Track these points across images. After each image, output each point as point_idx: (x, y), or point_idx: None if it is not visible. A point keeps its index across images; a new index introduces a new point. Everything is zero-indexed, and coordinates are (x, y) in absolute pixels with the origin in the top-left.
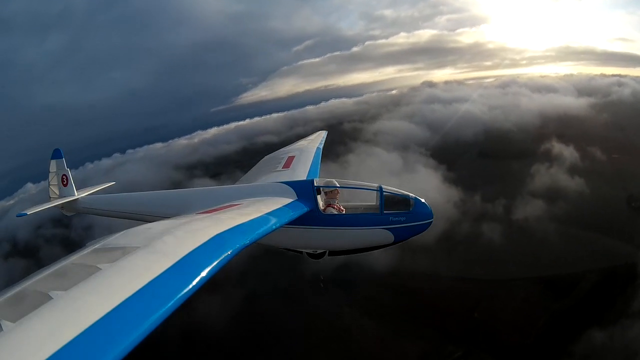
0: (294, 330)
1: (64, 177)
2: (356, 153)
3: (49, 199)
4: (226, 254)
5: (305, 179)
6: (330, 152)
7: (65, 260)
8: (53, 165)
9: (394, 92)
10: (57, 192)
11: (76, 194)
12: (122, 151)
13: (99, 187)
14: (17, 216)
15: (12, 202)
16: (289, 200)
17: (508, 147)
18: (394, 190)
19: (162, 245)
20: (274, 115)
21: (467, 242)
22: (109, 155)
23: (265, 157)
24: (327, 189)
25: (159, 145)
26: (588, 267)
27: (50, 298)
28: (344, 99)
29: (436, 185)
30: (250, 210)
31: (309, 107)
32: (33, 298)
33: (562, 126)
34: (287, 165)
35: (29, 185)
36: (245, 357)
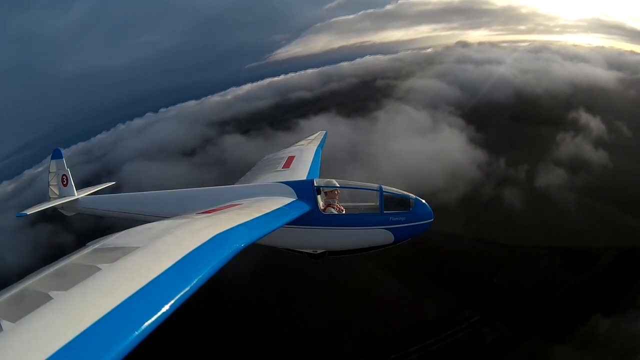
0: (317, 285)
1: (64, 177)
2: (385, 110)
3: (48, 199)
4: (226, 254)
5: (305, 179)
6: (361, 108)
7: (65, 260)
8: (53, 165)
9: (428, 50)
10: (57, 192)
11: (76, 194)
12: (155, 110)
13: (99, 187)
14: (17, 216)
15: (41, 168)
16: (289, 200)
17: (537, 112)
18: (394, 191)
19: (162, 245)
20: (309, 71)
21: (488, 205)
22: (141, 115)
23: (265, 157)
24: (327, 189)
25: (192, 103)
26: (607, 244)
27: (50, 298)
28: (379, 56)
29: (461, 146)
30: (250, 210)
31: (344, 64)
32: (33, 298)
33: (591, 97)
34: (287, 165)
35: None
36: (267, 306)
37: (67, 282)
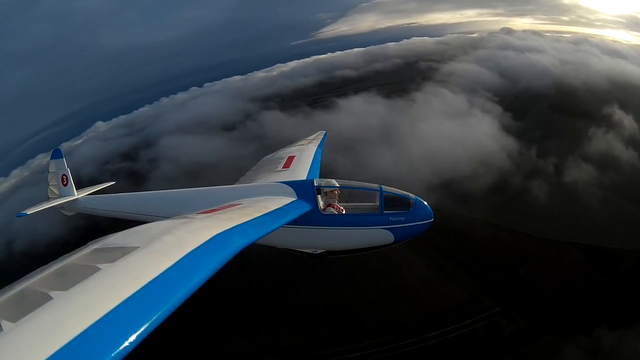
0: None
1: (64, 177)
2: (423, 92)
3: (48, 199)
4: (226, 254)
5: (305, 179)
6: (400, 90)
7: (65, 260)
8: (53, 165)
9: (474, 35)
10: (56, 192)
11: (76, 193)
12: (200, 85)
13: (98, 187)
14: (17, 216)
15: (80, 141)
16: (289, 200)
17: (572, 104)
18: (394, 191)
19: (162, 245)
20: (355, 50)
21: (517, 194)
22: (185, 89)
23: (265, 157)
24: (327, 189)
25: (237, 78)
26: (633, 247)
27: (50, 298)
28: (425, 38)
29: (494, 133)
30: (250, 210)
31: (390, 44)
32: (33, 298)
33: (626, 94)
34: (287, 165)
35: (99, 123)
36: (293, 281)
37: (67, 282)
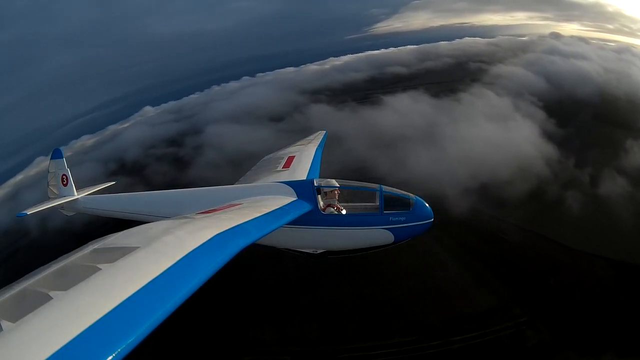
0: (376, 259)
1: (64, 177)
2: (470, 93)
3: (48, 198)
4: (226, 254)
5: (305, 179)
6: (448, 89)
7: (65, 260)
8: (53, 165)
9: (524, 38)
10: (56, 192)
11: (76, 194)
12: (252, 74)
13: (98, 187)
14: (17, 216)
15: (127, 124)
16: (289, 200)
17: (613, 114)
18: (394, 191)
19: (162, 245)
20: (408, 47)
21: (552, 202)
22: (237, 78)
23: (265, 157)
24: (327, 189)
25: (290, 69)
26: None
27: (50, 298)
28: (477, 38)
29: (534, 139)
30: (251, 210)
31: (443, 43)
32: (33, 298)
33: None
34: (287, 165)
35: (148, 108)
36: (324, 273)
37: (67, 282)
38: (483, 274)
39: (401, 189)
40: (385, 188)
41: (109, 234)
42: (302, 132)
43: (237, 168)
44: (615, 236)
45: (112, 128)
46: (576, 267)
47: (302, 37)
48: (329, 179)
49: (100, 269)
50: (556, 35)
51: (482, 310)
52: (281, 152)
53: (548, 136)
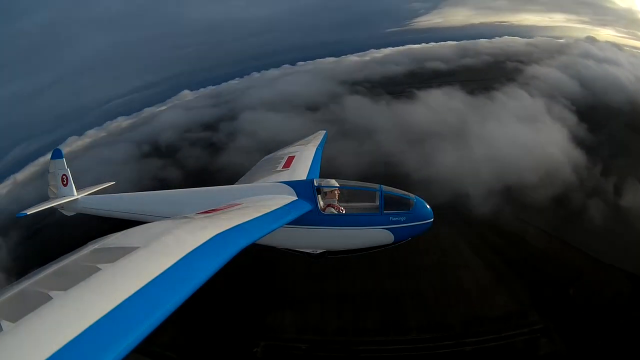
0: (401, 255)
1: (64, 177)
2: (503, 91)
3: (48, 199)
4: (226, 254)
5: (305, 179)
6: (483, 87)
7: (65, 260)
8: (53, 165)
9: (562, 40)
10: (56, 192)
11: (76, 194)
12: (293, 63)
13: (98, 187)
14: (17, 216)
15: (164, 107)
16: (289, 200)
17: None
18: (394, 191)
19: (162, 245)
20: (448, 43)
21: (577, 209)
22: (277, 66)
23: (265, 157)
24: (327, 189)
25: (330, 59)
26: None
27: (50, 298)
28: (516, 38)
29: (564, 143)
30: (251, 210)
31: (482, 40)
32: (33, 298)
33: None
34: (287, 165)
35: (186, 92)
36: (347, 267)
37: (67, 282)
38: (505, 276)
39: (402, 189)
40: (385, 188)
41: (109, 234)
42: (336, 124)
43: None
44: (637, 249)
45: (149, 110)
46: (596, 278)
47: (343, 27)
48: (329, 179)
49: (100, 269)
50: (592, 40)
51: (499, 313)
52: (281, 152)
53: (578, 141)
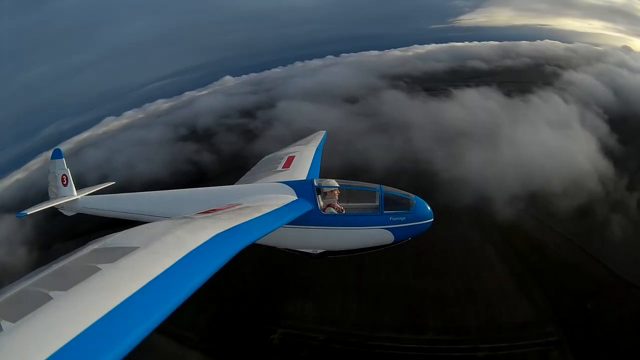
0: (426, 253)
1: (64, 177)
2: (538, 95)
3: (48, 199)
4: (226, 254)
5: (305, 179)
6: (519, 90)
7: (65, 260)
8: (53, 165)
9: (599, 47)
10: (56, 192)
11: (76, 194)
12: (337, 54)
13: (98, 187)
14: (17, 216)
15: (204, 92)
16: (289, 200)
17: None
18: (394, 191)
19: (162, 245)
20: (490, 42)
21: (601, 220)
22: (321, 56)
23: (265, 157)
24: (327, 189)
25: (374, 53)
26: None
27: (50, 298)
28: (557, 42)
29: (592, 152)
30: (251, 210)
31: (523, 42)
32: (33, 298)
33: None
34: (287, 165)
35: (228, 77)
36: (376, 267)
37: (67, 282)
38: (527, 283)
39: (402, 189)
40: (385, 188)
41: (109, 234)
42: (372, 117)
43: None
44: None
45: (189, 94)
46: (614, 295)
47: (389, 21)
48: (328, 179)
49: (100, 269)
50: (627, 49)
51: (517, 321)
52: (281, 152)
53: (607, 151)
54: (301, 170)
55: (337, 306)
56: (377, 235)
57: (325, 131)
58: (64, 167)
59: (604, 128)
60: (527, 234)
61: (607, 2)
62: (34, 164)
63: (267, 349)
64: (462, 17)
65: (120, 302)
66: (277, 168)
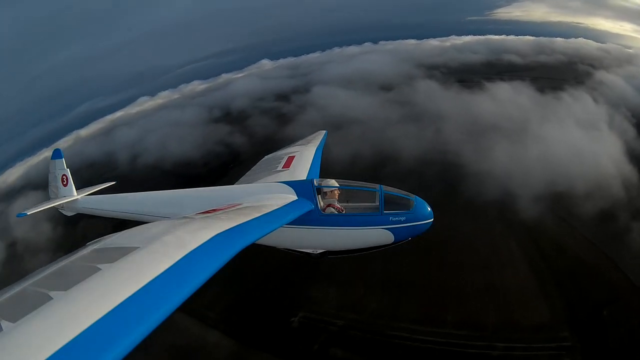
0: (452, 249)
1: (64, 177)
2: (570, 93)
3: (48, 199)
4: (226, 254)
5: (305, 179)
6: (551, 86)
7: (65, 260)
8: (53, 165)
9: (631, 50)
10: (57, 192)
11: (76, 194)
12: (375, 41)
13: (98, 187)
14: (17, 216)
15: (241, 74)
16: (289, 200)
17: None
18: (394, 191)
19: (162, 245)
20: (526, 37)
21: (623, 227)
22: (359, 43)
23: (265, 157)
24: (327, 189)
25: (412, 41)
26: None
27: (50, 298)
28: (590, 41)
29: (618, 156)
30: (251, 210)
31: (559, 39)
32: (33, 298)
33: None
34: (287, 165)
35: (265, 61)
36: (399, 258)
37: (67, 282)
38: (547, 282)
39: (401, 189)
40: (385, 188)
41: (109, 234)
42: (405, 106)
43: (335, 131)
44: None
45: (226, 77)
46: (632, 305)
47: (428, 11)
48: (328, 179)
49: (100, 269)
50: None
51: (534, 322)
52: (281, 152)
53: (632, 155)
54: (301, 170)
55: (358, 294)
56: (377, 235)
57: (325, 131)
58: (63, 167)
59: (631, 132)
60: (550, 233)
61: (638, 5)
62: (66, 141)
63: (287, 332)
64: (498, 10)
65: (120, 302)
66: (277, 168)
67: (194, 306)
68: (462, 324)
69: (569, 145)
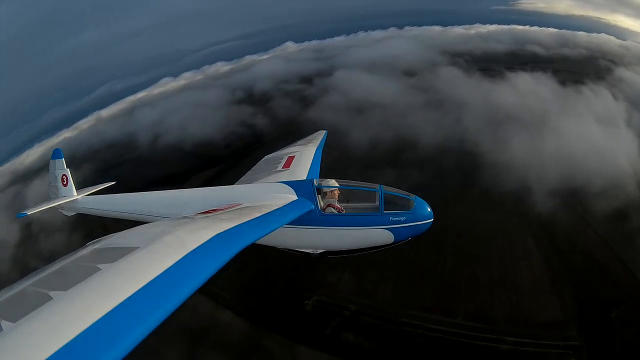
0: (472, 243)
1: (64, 177)
2: (590, 87)
3: (49, 198)
4: (226, 254)
5: (305, 179)
6: (573, 79)
7: (65, 260)
8: (53, 165)
9: None
10: (57, 192)
11: (75, 194)
12: (400, 27)
13: (98, 187)
14: (17, 216)
15: (266, 56)
16: (289, 200)
17: None
18: (395, 191)
19: (162, 245)
20: (550, 29)
21: (631, 227)
22: (385, 28)
23: (265, 157)
24: (327, 189)
25: (437, 28)
26: None
27: (50, 298)
28: (612, 37)
29: (635, 156)
30: (251, 211)
31: (582, 33)
32: (33, 298)
33: None
34: (287, 165)
35: (289, 44)
36: (417, 246)
37: (67, 282)
38: (560, 279)
39: (401, 189)
40: (385, 188)
41: (109, 234)
42: (428, 92)
43: (356, 115)
44: None
45: (250, 58)
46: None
47: None
48: (328, 179)
49: (100, 269)
50: None
51: (544, 319)
52: (281, 152)
53: None
54: (301, 170)
55: (372, 280)
56: (377, 235)
57: (325, 131)
58: (63, 167)
59: None
60: (565, 228)
61: None
62: (86, 122)
63: (300, 315)
64: (522, 0)
65: (120, 302)
66: (277, 168)
67: (209, 287)
68: (474, 316)
69: (587, 140)
